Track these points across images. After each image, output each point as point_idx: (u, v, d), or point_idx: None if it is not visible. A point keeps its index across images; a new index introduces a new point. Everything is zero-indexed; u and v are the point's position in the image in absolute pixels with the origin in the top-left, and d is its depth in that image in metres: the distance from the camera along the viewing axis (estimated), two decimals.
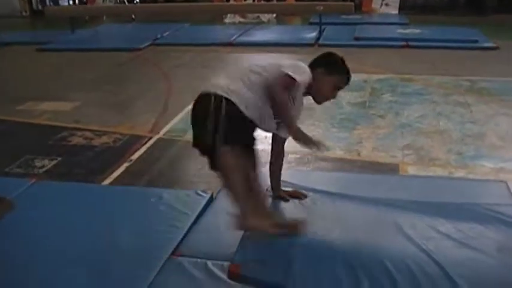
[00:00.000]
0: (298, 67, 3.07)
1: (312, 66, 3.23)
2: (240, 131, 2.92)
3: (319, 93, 3.25)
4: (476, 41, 10.05)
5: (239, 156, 2.83)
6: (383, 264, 2.70)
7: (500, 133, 5.49)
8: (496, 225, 3.10)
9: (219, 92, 2.93)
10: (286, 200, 3.51)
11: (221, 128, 2.83)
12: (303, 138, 2.96)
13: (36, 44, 11.04)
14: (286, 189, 3.59)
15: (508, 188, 3.91)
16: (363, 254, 2.81)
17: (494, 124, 5.76)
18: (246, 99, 2.95)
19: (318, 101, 3.31)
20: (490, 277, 2.61)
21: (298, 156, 4.90)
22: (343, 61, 3.31)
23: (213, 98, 2.91)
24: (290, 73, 2.95)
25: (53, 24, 13.51)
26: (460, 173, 4.61)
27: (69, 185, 4.41)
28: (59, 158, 5.15)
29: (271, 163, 3.50)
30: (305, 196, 3.54)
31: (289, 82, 2.96)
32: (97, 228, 3.50)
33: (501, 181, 4.12)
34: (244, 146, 2.93)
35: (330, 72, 3.21)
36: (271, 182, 3.54)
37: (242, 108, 2.93)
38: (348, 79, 3.29)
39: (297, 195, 3.56)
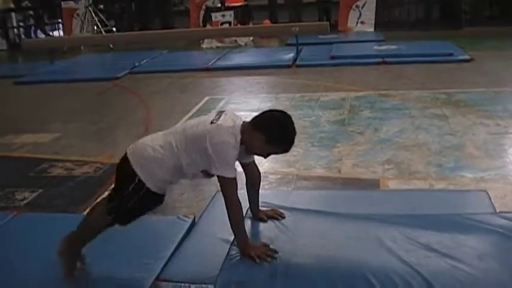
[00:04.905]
0: (222, 153, 2.94)
1: (254, 125, 3.05)
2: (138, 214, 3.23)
3: (252, 150, 3.13)
4: (451, 54, 10.16)
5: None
6: (366, 280, 2.70)
7: (478, 143, 5.54)
8: (476, 234, 3.12)
9: (137, 169, 3.04)
10: (264, 221, 3.43)
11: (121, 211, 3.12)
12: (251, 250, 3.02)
13: (13, 77, 10.93)
14: (264, 209, 3.51)
15: (489, 196, 3.94)
16: (345, 270, 2.82)
17: (472, 134, 5.82)
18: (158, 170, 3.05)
19: (249, 152, 3.17)
20: (471, 285, 2.62)
21: (279, 176, 4.91)
22: (289, 128, 3.07)
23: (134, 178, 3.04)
24: (221, 174, 2.97)
25: (32, 56, 13.49)
26: (440, 185, 4.64)
27: (50, 216, 4.37)
28: (40, 190, 5.12)
29: (247, 186, 3.41)
30: (282, 216, 3.46)
31: (227, 183, 2.99)
32: None
33: (481, 190, 4.15)
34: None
35: (269, 141, 3.01)
36: (249, 204, 3.46)
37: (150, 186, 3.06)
38: (287, 150, 3.13)
39: (273, 215, 3.47)
